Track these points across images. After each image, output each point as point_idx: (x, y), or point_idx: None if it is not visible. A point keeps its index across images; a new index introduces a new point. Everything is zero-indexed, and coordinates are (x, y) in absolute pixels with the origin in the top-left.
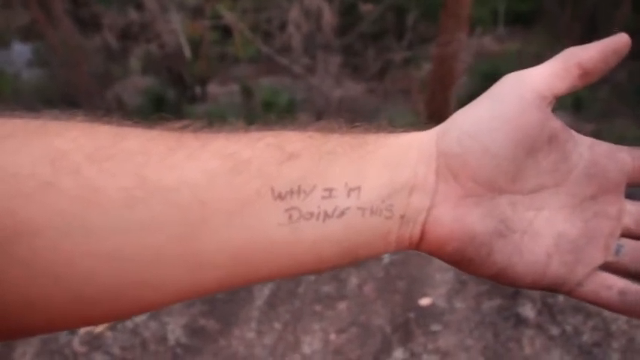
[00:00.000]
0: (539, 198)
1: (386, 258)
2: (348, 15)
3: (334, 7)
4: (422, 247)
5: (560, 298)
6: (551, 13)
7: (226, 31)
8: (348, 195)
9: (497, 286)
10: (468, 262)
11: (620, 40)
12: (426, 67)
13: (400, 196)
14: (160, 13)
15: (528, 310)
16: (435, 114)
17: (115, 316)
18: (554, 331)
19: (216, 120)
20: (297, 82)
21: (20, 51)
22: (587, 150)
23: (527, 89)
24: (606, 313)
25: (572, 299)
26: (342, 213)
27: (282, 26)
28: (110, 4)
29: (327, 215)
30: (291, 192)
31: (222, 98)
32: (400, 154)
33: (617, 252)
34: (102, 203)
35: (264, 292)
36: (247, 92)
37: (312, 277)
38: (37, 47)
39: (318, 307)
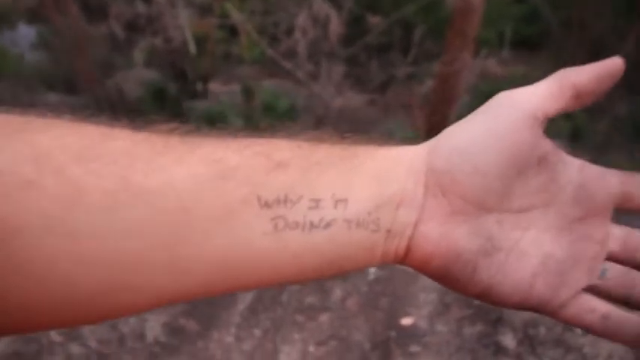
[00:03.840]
0: (526, 218)
1: (371, 274)
2: (356, 26)
3: (342, 17)
4: (407, 262)
5: (542, 329)
6: (557, 39)
7: (233, 31)
8: (335, 206)
9: (480, 311)
10: (452, 280)
11: (614, 63)
12: (429, 84)
13: (387, 209)
14: (167, 8)
15: (509, 340)
16: (434, 130)
17: (93, 319)
18: None
19: (216, 118)
20: (299, 88)
21: (25, 33)
22: (577, 172)
23: (520, 108)
24: (587, 349)
25: (554, 333)
26: (328, 224)
27: (289, 31)
28: None
29: (312, 225)
30: (278, 201)
31: (222, 97)
32: (389, 168)
33: (602, 275)
34: (85, 205)
35: (246, 297)
36: (248, 93)
37: (296, 287)
38: (42, 30)
39: (299, 317)
